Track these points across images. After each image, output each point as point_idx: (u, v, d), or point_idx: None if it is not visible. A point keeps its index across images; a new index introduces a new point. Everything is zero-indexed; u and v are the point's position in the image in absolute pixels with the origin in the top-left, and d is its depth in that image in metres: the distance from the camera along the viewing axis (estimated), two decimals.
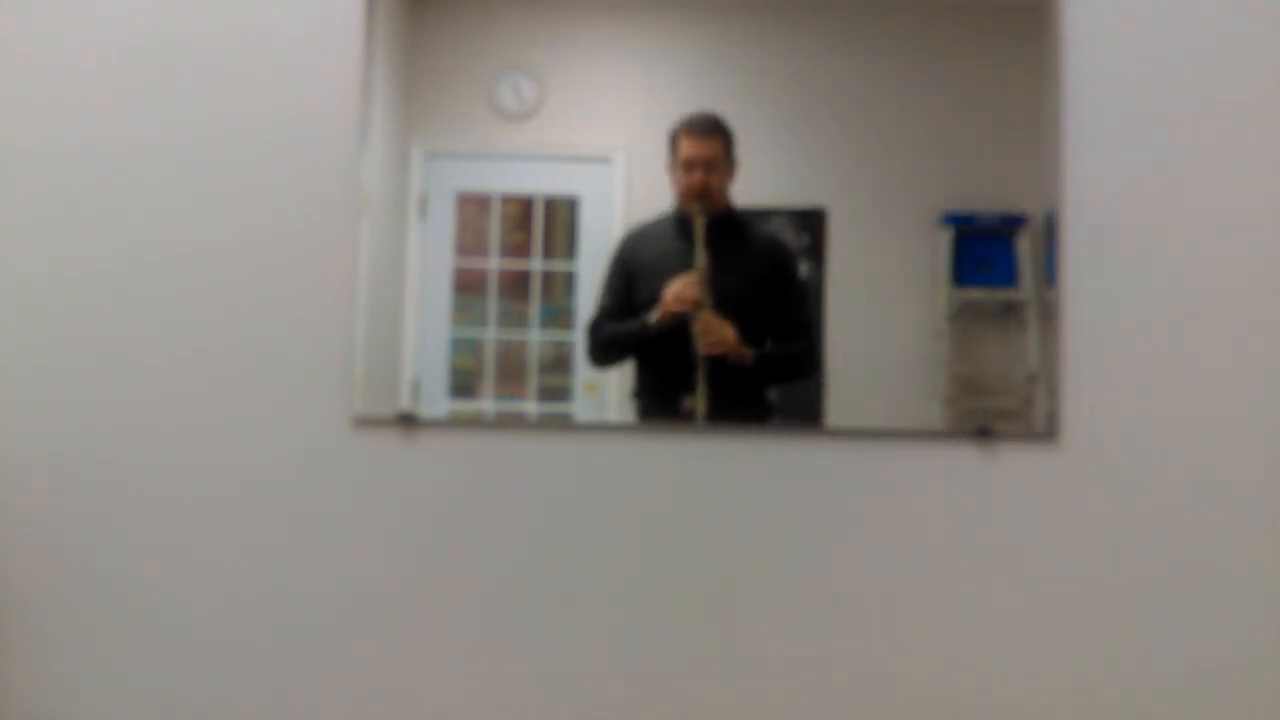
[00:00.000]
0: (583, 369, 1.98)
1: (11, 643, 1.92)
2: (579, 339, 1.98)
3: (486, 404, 2.00)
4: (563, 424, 1.98)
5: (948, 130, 1.97)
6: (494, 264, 2.02)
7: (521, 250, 2.02)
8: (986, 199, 1.97)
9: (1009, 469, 1.89)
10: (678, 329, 1.94)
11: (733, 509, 1.90)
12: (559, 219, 2.03)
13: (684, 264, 1.96)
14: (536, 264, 2.02)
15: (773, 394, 1.99)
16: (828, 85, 2.01)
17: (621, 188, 2.01)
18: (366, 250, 1.94)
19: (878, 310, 1.97)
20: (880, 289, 1.97)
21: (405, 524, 1.91)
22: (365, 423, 1.92)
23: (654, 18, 2.03)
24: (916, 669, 1.87)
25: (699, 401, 1.93)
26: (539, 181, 2.03)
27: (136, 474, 1.93)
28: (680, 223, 1.98)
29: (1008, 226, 1.96)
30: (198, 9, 1.98)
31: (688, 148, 1.97)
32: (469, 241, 2.02)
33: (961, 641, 1.87)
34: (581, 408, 1.99)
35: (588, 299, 1.99)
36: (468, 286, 2.02)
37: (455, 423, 1.96)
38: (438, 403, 1.97)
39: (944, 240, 1.97)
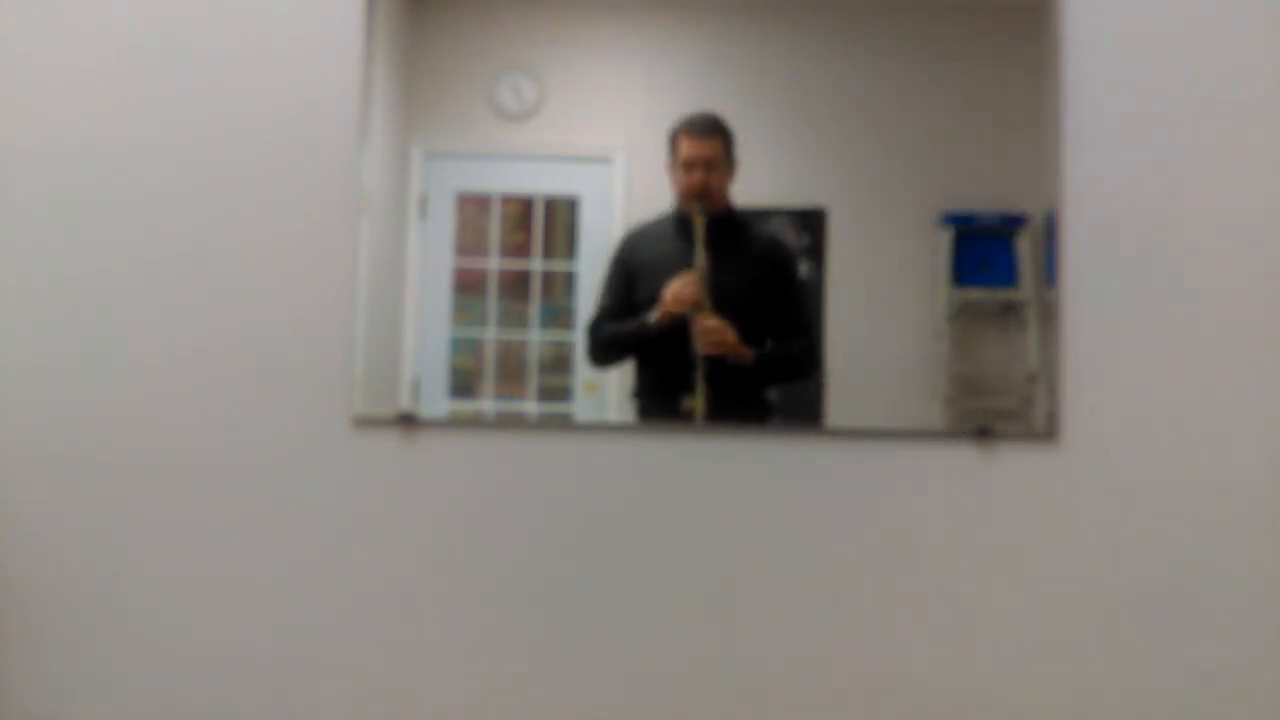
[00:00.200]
0: (583, 369, 1.98)
1: (11, 643, 1.92)
2: (579, 339, 1.98)
3: (486, 404, 2.00)
4: (563, 424, 1.98)
5: (948, 130, 1.97)
6: (494, 264, 2.02)
7: (521, 250, 2.02)
8: (986, 199, 1.97)
9: (1009, 469, 1.89)
10: (677, 329, 1.94)
11: (733, 509, 1.90)
12: (559, 219, 2.03)
13: (684, 264, 1.96)
14: (536, 264, 2.02)
15: (773, 394, 1.99)
16: (828, 85, 2.01)
17: (621, 188, 2.01)
18: (366, 250, 1.94)
19: (878, 310, 1.97)
20: (880, 289, 1.97)
21: (405, 524, 1.91)
22: (365, 423, 1.92)
23: (654, 18, 2.03)
24: (916, 669, 1.87)
25: (699, 401, 1.93)
26: (539, 181, 2.03)
27: (136, 474, 1.93)
28: (680, 223, 1.98)
29: (1008, 226, 1.96)
30: (198, 9, 1.98)
31: (688, 148, 1.97)
32: (469, 241, 2.02)
33: (961, 641, 1.87)
34: (581, 408, 1.99)
35: (588, 299, 1.99)
36: (468, 286, 2.02)
37: (455, 423, 1.96)
38: (438, 403, 1.97)
39: (944, 240, 1.97)
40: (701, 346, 1.93)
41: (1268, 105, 1.90)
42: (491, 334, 2.01)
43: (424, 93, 2.02)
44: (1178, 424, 1.87)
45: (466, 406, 1.99)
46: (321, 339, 1.93)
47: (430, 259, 2.01)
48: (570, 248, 2.03)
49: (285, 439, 1.92)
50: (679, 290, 1.95)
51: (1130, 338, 1.88)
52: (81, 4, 1.98)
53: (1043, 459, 1.88)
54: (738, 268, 1.98)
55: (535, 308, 2.01)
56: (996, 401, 1.93)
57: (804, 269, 1.99)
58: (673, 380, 1.95)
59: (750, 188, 1.98)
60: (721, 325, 1.94)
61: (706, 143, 1.96)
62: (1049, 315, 1.90)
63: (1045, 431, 1.88)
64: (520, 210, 2.03)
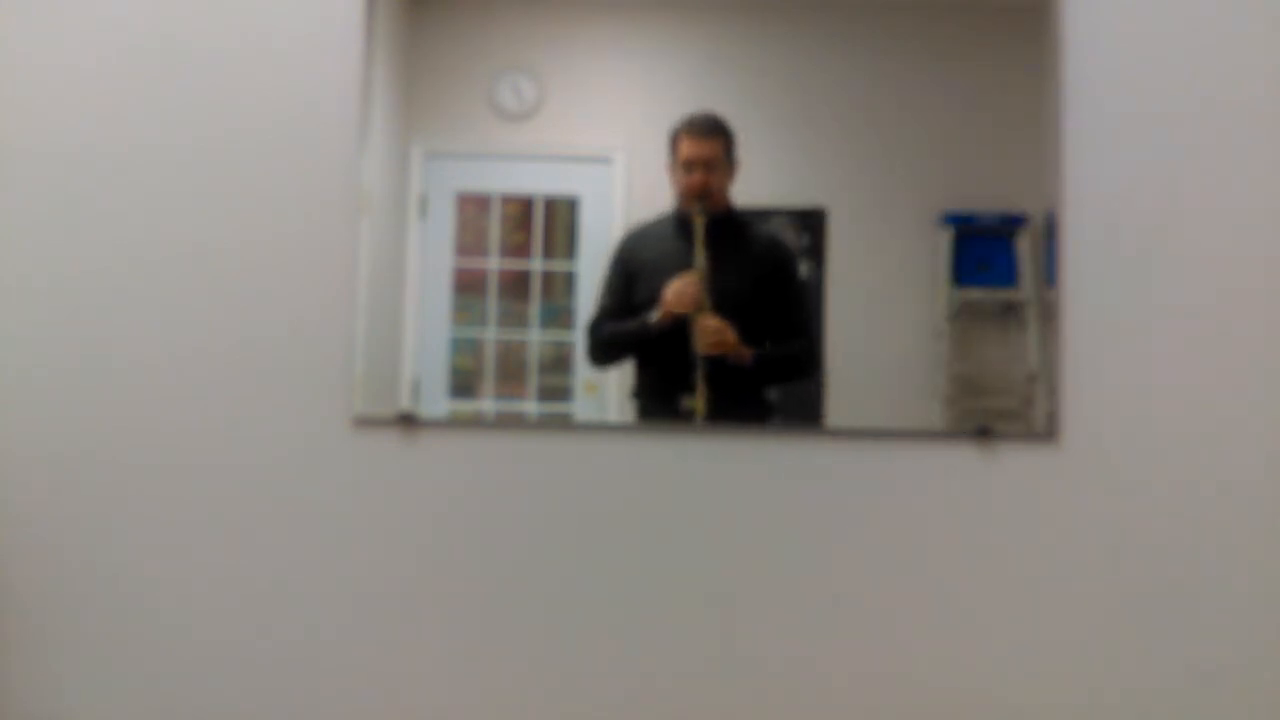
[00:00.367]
0: (583, 369, 1.98)
1: (11, 643, 1.92)
2: (579, 339, 1.98)
3: (486, 404, 2.00)
4: (563, 424, 1.98)
5: (948, 130, 1.97)
6: (494, 264, 2.02)
7: (521, 250, 2.02)
8: (986, 199, 1.97)
9: (1009, 469, 1.89)
10: (677, 329, 1.94)
11: (733, 509, 1.90)
12: (559, 219, 2.03)
13: (684, 264, 1.96)
14: (536, 264, 2.02)
15: (773, 394, 1.99)
16: (828, 85, 2.01)
17: (621, 188, 2.01)
18: (366, 250, 1.94)
19: (878, 310, 1.97)
20: (880, 289, 1.97)
21: (405, 524, 1.91)
22: (365, 423, 1.92)
23: (654, 18, 2.03)
24: (916, 669, 1.87)
25: (699, 401, 1.93)
26: (539, 181, 2.03)
27: (136, 474, 1.93)
28: (680, 223, 1.98)
29: (1008, 226, 1.96)
30: (198, 9, 1.98)
31: (688, 148, 1.97)
32: (469, 241, 2.02)
33: (961, 641, 1.87)
34: (581, 408, 1.99)
35: (588, 299, 1.99)
36: (468, 286, 2.02)
37: (455, 423, 1.96)
38: (438, 403, 1.97)
39: (944, 240, 1.97)
40: (702, 346, 1.93)
41: (1268, 105, 1.90)
42: (491, 334, 2.01)
43: (424, 93, 2.02)
44: (1178, 424, 1.87)
45: (466, 406, 1.99)
46: (321, 339, 1.93)
47: (430, 259, 2.01)
48: (570, 248, 2.03)
49: (285, 439, 1.92)
50: (679, 290, 1.95)
51: (1130, 338, 1.88)
52: (81, 4, 1.98)
53: (1043, 459, 1.88)
54: (738, 268, 1.98)
55: (535, 308, 2.01)
56: (996, 401, 1.93)
57: (804, 269, 1.99)
58: (673, 380, 1.95)
59: (750, 188, 1.98)
60: (722, 325, 1.94)
61: (707, 143, 1.96)
62: (1049, 315, 1.90)
63: (1045, 431, 1.88)
64: (520, 210, 2.03)
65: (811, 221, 1.99)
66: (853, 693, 1.87)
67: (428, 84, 2.02)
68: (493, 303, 2.02)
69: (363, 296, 1.93)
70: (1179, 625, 1.84)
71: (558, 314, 2.01)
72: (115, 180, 1.96)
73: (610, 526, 1.90)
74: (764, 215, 2.00)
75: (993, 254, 1.97)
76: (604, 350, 1.99)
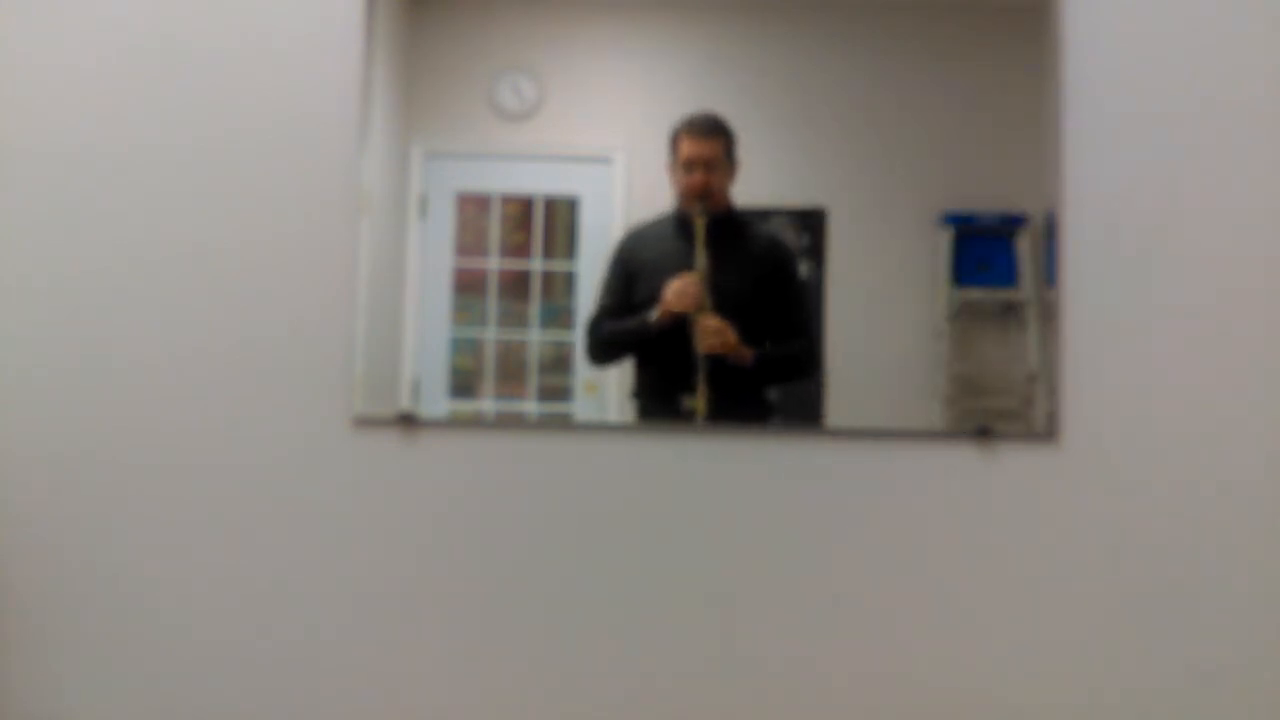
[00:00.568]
0: (583, 369, 1.98)
1: (11, 643, 1.92)
2: (579, 339, 1.98)
3: (486, 404, 2.00)
4: (563, 424, 1.98)
5: (948, 130, 1.97)
6: (494, 264, 2.02)
7: (521, 250, 2.02)
8: (986, 199, 1.97)
9: (1009, 469, 1.89)
10: (677, 329, 1.94)
11: (733, 509, 1.90)
12: (559, 219, 2.03)
13: (684, 264, 1.96)
14: (536, 264, 2.02)
15: (773, 394, 1.99)
16: (828, 85, 2.01)
17: (621, 188, 2.01)
18: (366, 250, 1.94)
19: (878, 310, 1.97)
20: (880, 289, 1.97)
21: (405, 524, 1.91)
22: (365, 423, 1.92)
23: (654, 18, 2.03)
24: (916, 669, 1.87)
25: (699, 401, 1.93)
26: (539, 181, 2.03)
27: (136, 474, 1.93)
28: (680, 223, 1.98)
29: (1008, 226, 1.96)
30: (198, 9, 1.98)
31: (688, 148, 1.97)
32: (469, 241, 2.02)
33: (961, 641, 1.87)
34: (581, 408, 1.99)
35: (588, 299, 1.99)
36: (468, 286, 2.02)
37: (455, 423, 1.96)
38: (438, 403, 1.97)
39: (944, 240, 1.97)
40: (702, 346, 1.93)
41: (1268, 105, 1.90)
42: (491, 334, 2.01)
43: (424, 93, 2.02)
44: (1178, 424, 1.87)
45: (466, 406, 1.99)
46: (321, 339, 1.93)
47: (430, 259, 2.01)
48: (570, 248, 2.03)
49: (285, 439, 1.92)
50: (680, 290, 1.95)
51: (1130, 338, 1.88)
52: (81, 4, 1.98)
53: (1043, 459, 1.88)
54: (738, 268, 1.98)
55: (535, 308, 2.01)
56: (996, 401, 1.93)
57: (804, 269, 1.99)
58: (673, 380, 1.95)
59: (750, 188, 1.98)
60: (722, 325, 1.93)
61: (707, 143, 1.96)
62: (1049, 315, 1.90)
63: (1045, 431, 1.88)
64: (520, 210, 2.03)
65: (811, 221, 1.99)
66: (853, 693, 1.87)
67: (428, 84, 2.02)
68: (493, 303, 2.02)
69: (363, 296, 1.93)
70: (1179, 625, 1.84)
71: (558, 314, 2.01)
72: (115, 180, 1.96)
73: (610, 526, 1.90)
74: (764, 215, 2.00)
75: (993, 254, 1.97)
76: (603, 349, 1.99)
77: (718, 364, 1.93)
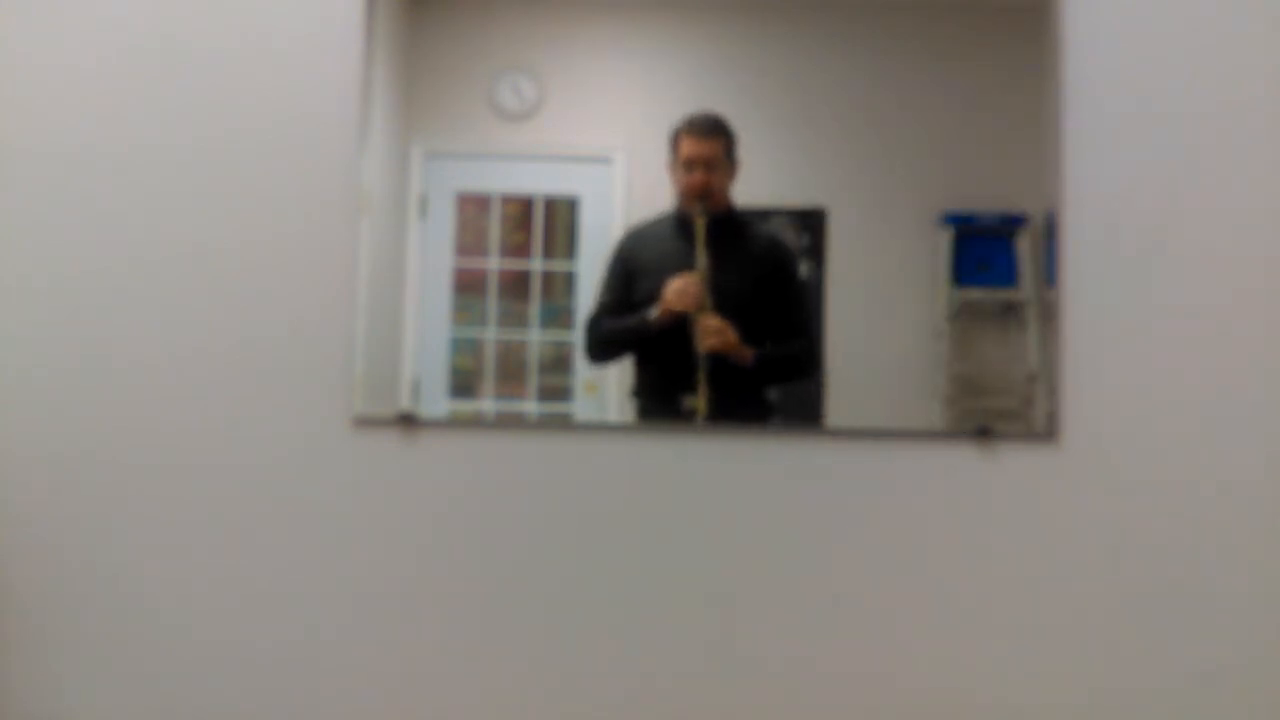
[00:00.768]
0: (583, 369, 1.98)
1: (11, 643, 1.92)
2: (579, 339, 1.98)
3: (486, 404, 2.00)
4: (563, 424, 1.98)
5: (948, 130, 1.97)
6: (494, 264, 2.02)
7: (521, 250, 2.02)
8: (986, 199, 1.97)
9: (1009, 469, 1.89)
10: (678, 328, 1.94)
11: (733, 509, 1.90)
12: (559, 219, 2.03)
13: (684, 264, 1.96)
14: (536, 264, 2.02)
15: (773, 394, 1.99)
16: (828, 85, 2.01)
17: (621, 188, 2.01)
18: (366, 250, 1.94)
19: (878, 310, 1.97)
20: (880, 289, 1.97)
21: (405, 524, 1.91)
22: (365, 423, 1.92)
23: (654, 18, 2.03)
24: (917, 669, 1.87)
25: (699, 401, 1.93)
26: (539, 181, 2.03)
27: (136, 474, 1.93)
28: (680, 223, 1.98)
29: (1008, 226, 1.96)
30: (198, 9, 1.98)
31: (689, 147, 1.97)
32: (469, 241, 2.02)
33: (961, 641, 1.87)
34: (581, 408, 1.99)
35: (588, 299, 1.99)
36: (468, 286, 2.02)
37: (455, 423, 1.96)
38: (438, 403, 1.97)
39: (944, 240, 1.97)
40: (703, 346, 1.93)
41: (1268, 105, 1.90)
42: (491, 334, 2.01)
43: (424, 93, 2.02)
44: (1178, 424, 1.87)
45: (466, 406, 1.99)
46: (321, 339, 1.93)
47: (430, 259, 2.01)
48: (570, 248, 2.03)
49: (285, 439, 1.92)
50: (680, 289, 1.94)
51: (1130, 338, 1.88)
52: (81, 4, 1.98)
53: (1043, 459, 1.88)
54: (738, 268, 1.98)
55: (535, 308, 2.01)
56: (996, 401, 1.93)
57: (804, 269, 1.99)
58: (673, 380, 1.95)
59: (750, 188, 1.98)
60: (723, 325, 1.93)
61: (708, 143, 1.96)
62: (1049, 315, 1.90)
63: (1045, 431, 1.88)
64: (520, 210, 2.03)
65: (811, 221, 1.99)
66: (853, 693, 1.87)
67: (428, 84, 2.02)
68: (493, 303, 2.02)
69: (363, 296, 1.93)
70: (1179, 625, 1.84)
71: (558, 314, 2.01)
72: (115, 180, 1.96)
73: (610, 526, 1.90)
74: (764, 215, 2.00)
75: (993, 254, 1.97)
76: (602, 347, 1.99)
77: (718, 364, 1.93)
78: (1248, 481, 1.86)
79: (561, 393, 1.99)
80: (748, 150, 1.96)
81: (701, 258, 1.96)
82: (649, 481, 1.91)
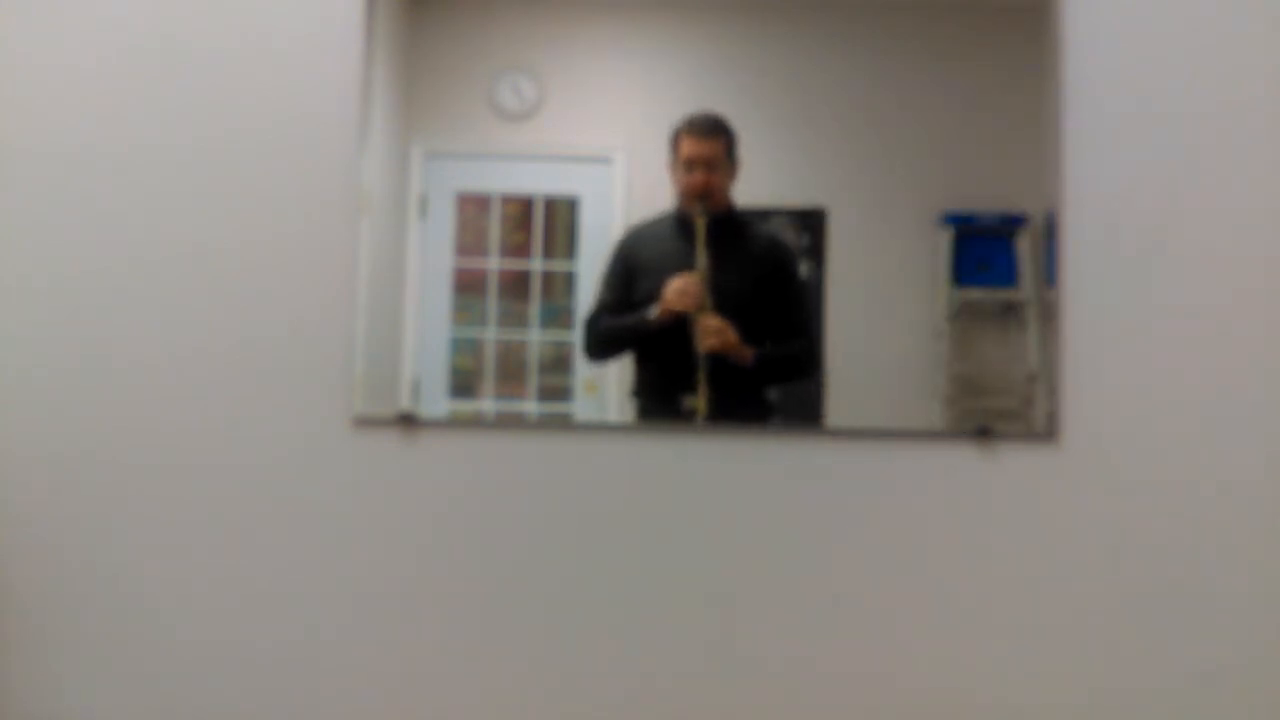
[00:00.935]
0: (583, 369, 1.98)
1: (11, 643, 1.92)
2: (579, 338, 1.98)
3: (486, 404, 2.00)
4: (563, 424, 1.98)
5: (948, 130, 1.97)
6: (494, 264, 2.02)
7: (521, 250, 2.02)
8: (986, 199, 1.97)
9: (1009, 469, 1.89)
10: (678, 328, 1.94)
11: (733, 509, 1.90)
12: (559, 219, 2.03)
13: (684, 264, 1.96)
14: (536, 264, 2.02)
15: (773, 394, 1.99)
16: (828, 85, 2.01)
17: (621, 188, 2.01)
18: (366, 250, 1.94)
19: (878, 310, 1.97)
20: (880, 289, 1.97)
21: (405, 524, 1.91)
22: (365, 423, 1.92)
23: (654, 18, 2.03)
24: (917, 669, 1.87)
25: (699, 401, 1.93)
26: (539, 181, 2.03)
27: (136, 474, 1.93)
28: (681, 222, 1.98)
29: (1008, 226, 1.96)
30: (198, 9, 1.98)
31: (689, 147, 1.97)
32: (469, 241, 2.02)
33: (961, 641, 1.87)
34: (581, 408, 1.99)
35: (588, 299, 1.99)
36: (468, 286, 2.02)
37: (455, 423, 1.96)
38: (438, 403, 1.97)
39: (944, 240, 1.97)
40: (703, 346, 1.93)
41: (1268, 105, 1.90)
42: (491, 334, 2.01)
43: (424, 93, 2.02)
44: (1178, 424, 1.87)
45: (466, 406, 1.99)
46: (321, 339, 1.93)
47: (430, 259, 2.01)
48: (570, 248, 2.03)
49: (285, 439, 1.92)
50: (680, 289, 1.94)
51: (1130, 338, 1.88)
52: (81, 4, 1.98)
53: (1043, 459, 1.88)
54: (738, 268, 1.98)
55: (535, 308, 2.01)
56: (996, 401, 1.93)
57: (804, 269, 1.99)
58: (673, 379, 1.95)
59: (750, 188, 1.98)
60: (723, 324, 1.93)
61: (708, 142, 1.96)
62: (1049, 315, 1.90)
63: (1045, 431, 1.88)
64: (520, 210, 2.03)
65: (811, 221, 1.99)
66: (853, 693, 1.87)
67: (428, 84, 2.02)
68: (493, 303, 2.02)
69: (363, 296, 1.93)
70: (1179, 625, 1.84)
71: (558, 314, 2.01)
72: (115, 180, 1.96)
73: (610, 526, 1.90)
74: (764, 215, 2.00)
75: (993, 254, 1.97)
76: (601, 345, 1.99)
77: (718, 363, 1.93)
78: (1248, 481, 1.86)
79: (561, 393, 1.99)
80: (748, 150, 1.96)
81: (701, 257, 1.96)
82: (649, 481, 1.91)
